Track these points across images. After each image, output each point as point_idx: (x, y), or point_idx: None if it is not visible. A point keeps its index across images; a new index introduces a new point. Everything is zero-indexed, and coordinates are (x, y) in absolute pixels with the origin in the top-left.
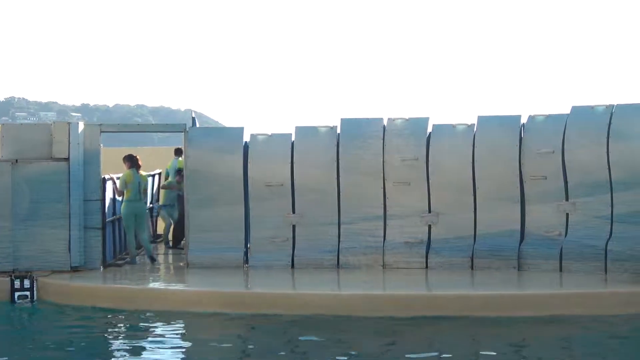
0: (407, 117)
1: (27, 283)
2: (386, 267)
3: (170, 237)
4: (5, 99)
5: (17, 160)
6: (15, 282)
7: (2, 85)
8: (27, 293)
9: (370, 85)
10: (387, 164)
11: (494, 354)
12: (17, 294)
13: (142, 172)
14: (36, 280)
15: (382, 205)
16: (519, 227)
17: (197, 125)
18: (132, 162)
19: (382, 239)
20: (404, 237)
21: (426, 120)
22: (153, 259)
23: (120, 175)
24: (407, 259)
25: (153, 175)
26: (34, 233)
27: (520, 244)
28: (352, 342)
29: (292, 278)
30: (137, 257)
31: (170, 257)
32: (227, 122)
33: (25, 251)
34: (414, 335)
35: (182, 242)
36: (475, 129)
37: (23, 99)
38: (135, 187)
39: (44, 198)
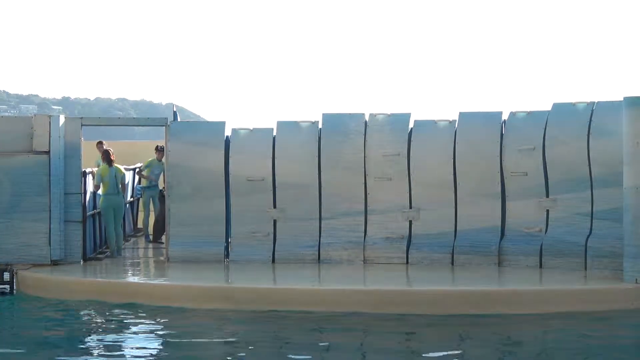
0: (388, 113)
1: (6, 276)
2: (367, 262)
3: (150, 230)
4: None
5: None
6: None
7: None
8: (7, 286)
9: (352, 81)
10: (369, 160)
11: (477, 351)
12: None
13: (119, 166)
14: (16, 273)
15: (363, 201)
16: (499, 223)
17: (179, 119)
18: (104, 156)
19: (363, 235)
20: (384, 232)
21: (408, 115)
22: (117, 255)
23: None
24: (388, 255)
25: (134, 170)
26: (14, 226)
27: (500, 240)
28: (333, 337)
29: (272, 273)
30: (120, 250)
31: (151, 252)
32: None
33: (6, 244)
34: (392, 333)
35: (163, 236)
36: (456, 125)
37: (3, 91)
38: (111, 180)
39: (25, 191)
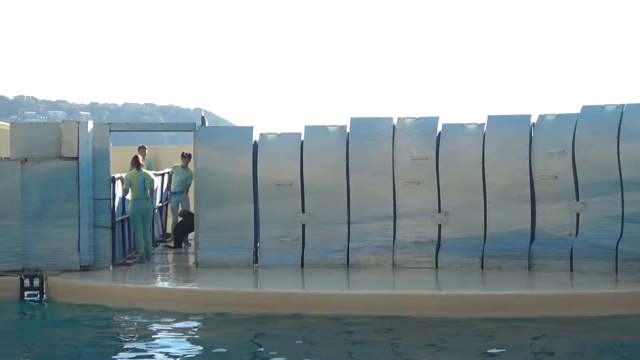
0: (416, 117)
1: (36, 282)
2: (396, 266)
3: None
4: (14, 97)
5: (26, 159)
6: (24, 281)
7: (11, 84)
8: (37, 292)
9: (380, 85)
10: (397, 164)
11: (504, 355)
12: (26, 293)
13: (148, 171)
14: (46, 279)
15: (392, 205)
16: (529, 226)
17: (207, 124)
18: (133, 162)
19: (392, 239)
20: (413, 236)
21: (436, 119)
22: (146, 260)
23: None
24: (417, 259)
25: (162, 175)
26: (43, 232)
27: (530, 244)
28: (362, 342)
29: (301, 278)
30: (149, 256)
31: (180, 257)
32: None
33: (35, 250)
34: (422, 336)
35: (183, 244)
36: (485, 129)
37: (32, 97)
38: (140, 185)
39: (53, 197)
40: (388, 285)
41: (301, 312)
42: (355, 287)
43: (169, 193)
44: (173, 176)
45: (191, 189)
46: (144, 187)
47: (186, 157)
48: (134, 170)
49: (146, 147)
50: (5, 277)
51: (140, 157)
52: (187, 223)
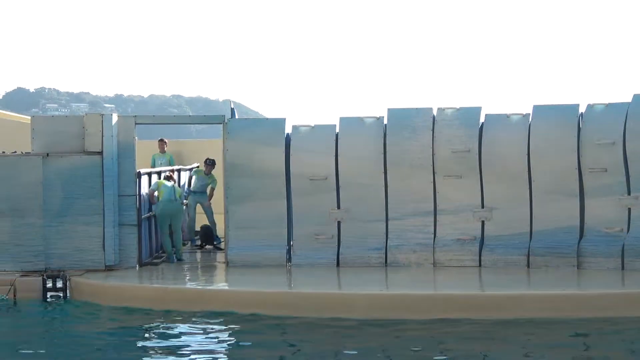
0: (457, 107)
1: (59, 282)
2: (437, 265)
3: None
4: (35, 89)
5: (48, 154)
6: (47, 282)
7: (32, 75)
8: (60, 293)
9: (418, 74)
10: (437, 157)
11: (548, 357)
12: (49, 294)
13: (178, 187)
14: (69, 279)
15: (432, 200)
16: (577, 222)
17: (237, 116)
18: (166, 177)
19: (433, 236)
20: (455, 233)
21: (478, 109)
22: (174, 260)
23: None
24: (459, 257)
25: (190, 169)
26: (66, 230)
27: (579, 241)
28: (402, 345)
29: (337, 277)
30: (178, 254)
31: (209, 256)
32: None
33: (58, 249)
34: (466, 339)
35: (208, 245)
36: (530, 119)
37: (54, 89)
38: (168, 190)
39: (77, 193)
40: (429, 286)
41: (337, 314)
42: (394, 287)
43: (188, 191)
44: (194, 178)
45: (218, 188)
46: (173, 188)
47: (209, 164)
48: (163, 180)
49: (166, 140)
50: (27, 278)
51: (171, 174)
52: (205, 238)
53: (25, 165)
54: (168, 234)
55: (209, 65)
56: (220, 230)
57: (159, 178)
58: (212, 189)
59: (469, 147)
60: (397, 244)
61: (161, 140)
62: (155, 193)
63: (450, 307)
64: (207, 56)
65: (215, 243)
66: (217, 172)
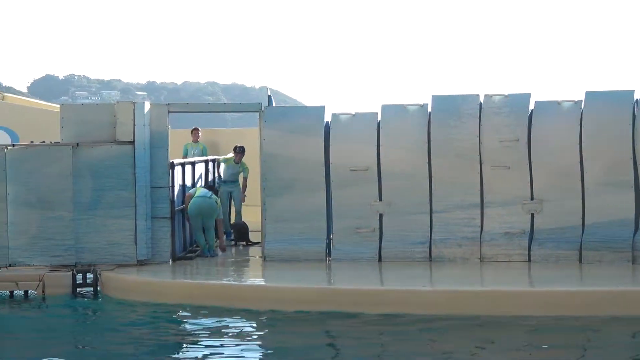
0: (506, 93)
1: (90, 277)
2: (484, 260)
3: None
4: (64, 77)
5: (77, 144)
6: (77, 277)
7: (61, 62)
8: (90, 288)
9: (464, 59)
10: (484, 146)
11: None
12: (79, 289)
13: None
14: (100, 274)
15: (479, 192)
16: (633, 215)
17: (274, 104)
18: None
19: (479, 229)
20: (503, 227)
21: (528, 96)
22: (208, 254)
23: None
24: (508, 252)
25: (193, 163)
26: (96, 223)
27: (634, 235)
28: (446, 343)
29: (379, 273)
30: (213, 249)
31: (245, 250)
32: (307, 100)
33: (88, 243)
34: (514, 337)
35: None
36: (582, 106)
37: (84, 76)
38: (204, 190)
39: (108, 185)
40: (476, 281)
41: (379, 310)
42: (438, 284)
43: (219, 181)
44: (223, 167)
45: (253, 177)
46: (210, 192)
47: (239, 152)
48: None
49: (199, 129)
50: (56, 273)
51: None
52: (238, 235)
53: (54, 156)
54: (201, 230)
55: (245, 51)
56: (256, 224)
57: (193, 169)
58: (245, 179)
59: (518, 136)
60: (442, 238)
61: (195, 129)
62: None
63: (498, 304)
64: (243, 42)
65: (250, 242)
66: (254, 162)
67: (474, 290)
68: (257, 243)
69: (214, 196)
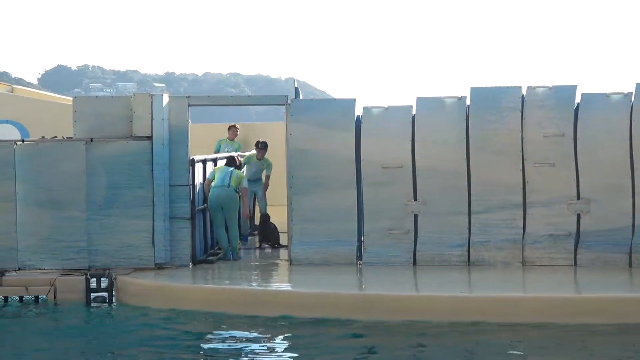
0: (550, 85)
1: (104, 282)
2: (526, 264)
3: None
4: (77, 67)
5: (91, 140)
6: (91, 282)
7: (74, 52)
8: (105, 294)
9: (505, 49)
10: (527, 141)
11: None
12: (93, 295)
13: (240, 172)
14: (115, 279)
15: (521, 191)
16: None
17: (301, 96)
18: (229, 162)
19: (522, 231)
20: (547, 228)
21: (574, 88)
22: (231, 257)
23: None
24: (552, 255)
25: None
26: (111, 224)
27: None
28: (486, 353)
29: (413, 277)
30: (236, 251)
31: (271, 253)
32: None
33: (102, 245)
34: (567, 345)
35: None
36: (632, 99)
37: (98, 67)
38: (222, 175)
39: (124, 183)
40: (518, 287)
41: (413, 317)
42: (478, 289)
43: None
44: (246, 167)
45: (279, 174)
46: (229, 176)
47: (262, 147)
48: (224, 166)
49: (238, 126)
50: (68, 277)
51: (237, 160)
52: (263, 230)
53: (67, 152)
54: (223, 227)
55: (270, 40)
56: (282, 225)
57: (215, 166)
58: (268, 177)
59: (563, 131)
60: (482, 240)
61: (233, 126)
62: (213, 183)
63: (542, 311)
64: (268, 30)
65: (278, 244)
66: (279, 159)
67: (516, 297)
68: (283, 246)
69: (233, 185)
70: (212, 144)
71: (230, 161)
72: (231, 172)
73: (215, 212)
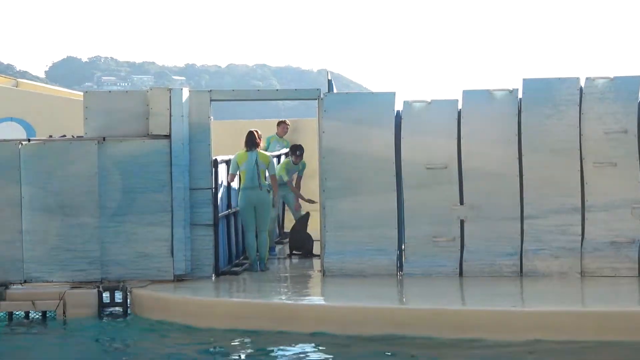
0: (611, 76)
1: (118, 296)
2: (585, 274)
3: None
4: (88, 59)
5: (104, 139)
6: (103, 295)
7: (85, 42)
8: (119, 309)
9: (560, 38)
10: (586, 138)
11: None
12: (106, 309)
13: (264, 152)
14: (130, 292)
15: (579, 194)
16: None
17: (335, 90)
18: (247, 140)
19: (580, 238)
20: (609, 235)
21: (638, 79)
22: (258, 268)
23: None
24: (614, 265)
25: (278, 157)
26: (126, 232)
27: None
28: None
29: (460, 290)
30: (264, 262)
31: (301, 263)
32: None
33: (116, 255)
34: None
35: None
36: None
37: (111, 58)
38: (249, 169)
39: (139, 187)
40: (576, 301)
41: (460, 334)
42: (531, 303)
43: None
44: (282, 172)
45: (310, 176)
46: (257, 172)
47: (299, 155)
48: (244, 151)
49: (288, 122)
50: (79, 290)
51: (256, 135)
52: (297, 237)
53: (77, 153)
54: (254, 232)
55: (300, 28)
56: (314, 233)
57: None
58: (300, 179)
59: (626, 127)
60: (535, 249)
61: (283, 122)
62: (234, 183)
63: (604, 328)
64: (298, 17)
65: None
66: (311, 159)
67: (575, 312)
68: (315, 255)
69: (264, 184)
70: (236, 143)
71: (251, 141)
72: (256, 161)
73: (247, 214)
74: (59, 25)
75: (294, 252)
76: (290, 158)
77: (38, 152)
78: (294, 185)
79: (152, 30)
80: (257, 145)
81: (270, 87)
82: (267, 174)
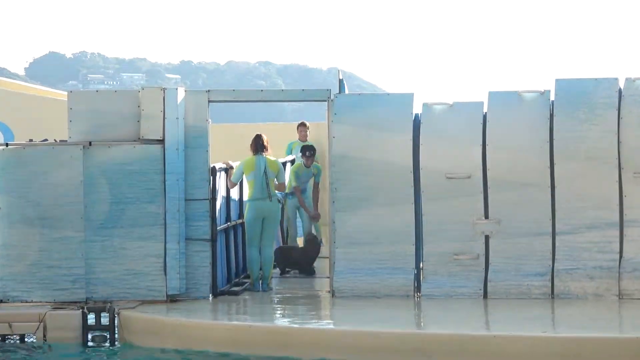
0: None
1: (105, 318)
2: (623, 297)
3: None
4: (73, 55)
5: (90, 143)
6: (88, 317)
7: (70, 37)
8: (106, 332)
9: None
10: (625, 146)
11: None
12: (91, 333)
13: (272, 158)
14: (118, 314)
15: (617, 207)
16: None
17: (346, 90)
18: (255, 144)
19: (618, 257)
20: None
21: None
22: (260, 288)
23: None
24: None
25: (284, 163)
26: (114, 247)
27: None
28: None
29: (484, 313)
30: (267, 281)
31: (308, 283)
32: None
33: (103, 273)
34: None
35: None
36: None
37: (98, 55)
38: (258, 178)
39: (129, 197)
40: (612, 326)
41: None
42: (563, 328)
43: (283, 194)
44: (292, 177)
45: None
46: (265, 181)
47: (310, 155)
48: (251, 156)
49: (307, 124)
50: (61, 311)
51: (264, 139)
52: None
53: (60, 159)
54: (257, 248)
55: (307, 23)
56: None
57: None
58: (317, 184)
59: None
60: (568, 268)
61: (302, 125)
62: (249, 194)
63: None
64: (305, 11)
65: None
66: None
67: (612, 338)
68: (311, 273)
69: (274, 194)
70: (236, 149)
71: (258, 145)
72: (265, 169)
73: (253, 227)
74: (41, 18)
75: (287, 269)
76: (302, 161)
77: (17, 157)
78: (301, 191)
79: (143, 23)
80: (265, 149)
81: (274, 87)
82: (275, 182)
